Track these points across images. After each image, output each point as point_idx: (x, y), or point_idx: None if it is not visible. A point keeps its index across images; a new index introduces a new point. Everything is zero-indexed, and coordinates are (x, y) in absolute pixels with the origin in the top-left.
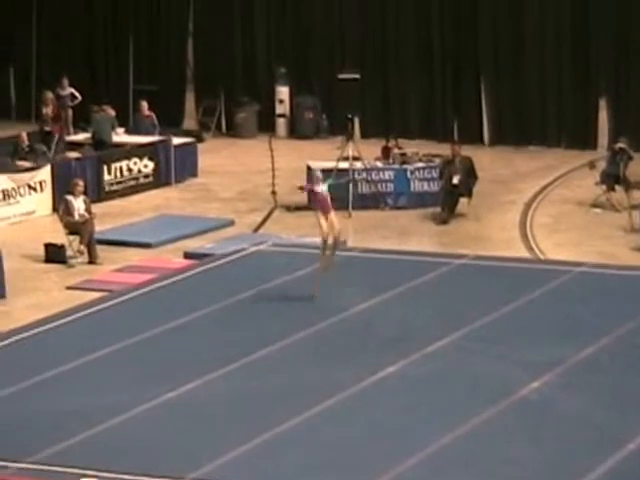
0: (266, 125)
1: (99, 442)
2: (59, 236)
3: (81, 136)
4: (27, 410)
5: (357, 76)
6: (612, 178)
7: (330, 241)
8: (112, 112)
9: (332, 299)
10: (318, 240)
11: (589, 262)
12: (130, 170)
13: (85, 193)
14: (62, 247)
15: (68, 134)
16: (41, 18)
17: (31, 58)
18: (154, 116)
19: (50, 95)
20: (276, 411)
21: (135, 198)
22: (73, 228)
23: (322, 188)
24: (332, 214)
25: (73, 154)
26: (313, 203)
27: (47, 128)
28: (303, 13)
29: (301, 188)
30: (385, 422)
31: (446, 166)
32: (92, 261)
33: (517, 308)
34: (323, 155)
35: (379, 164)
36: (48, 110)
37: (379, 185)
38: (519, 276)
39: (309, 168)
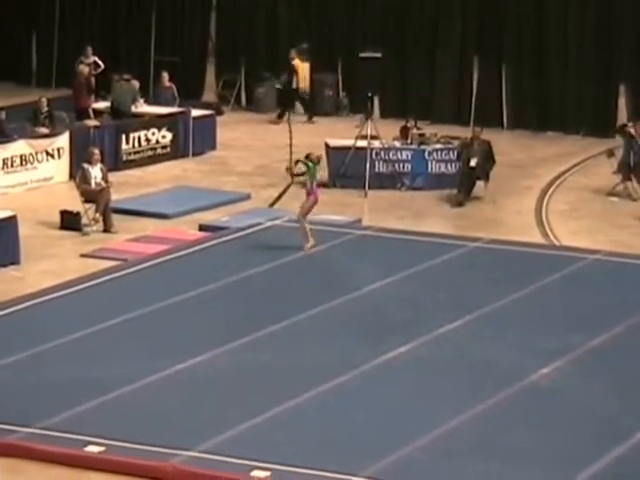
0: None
1: (108, 411)
2: (75, 203)
3: (101, 104)
4: (38, 377)
5: (378, 55)
6: (626, 167)
7: None
8: (136, 83)
9: (345, 278)
10: (333, 217)
11: (604, 250)
12: (148, 140)
13: (102, 161)
14: (78, 215)
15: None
16: None
17: (54, 26)
18: (174, 87)
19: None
20: (285, 387)
21: (152, 169)
22: (89, 196)
23: None
24: None
25: (92, 122)
26: None
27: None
28: None
29: None
30: (394, 402)
31: (464, 148)
32: (107, 230)
33: (530, 294)
34: (341, 133)
35: (397, 144)
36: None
37: (396, 165)
38: (533, 262)
39: (327, 145)
